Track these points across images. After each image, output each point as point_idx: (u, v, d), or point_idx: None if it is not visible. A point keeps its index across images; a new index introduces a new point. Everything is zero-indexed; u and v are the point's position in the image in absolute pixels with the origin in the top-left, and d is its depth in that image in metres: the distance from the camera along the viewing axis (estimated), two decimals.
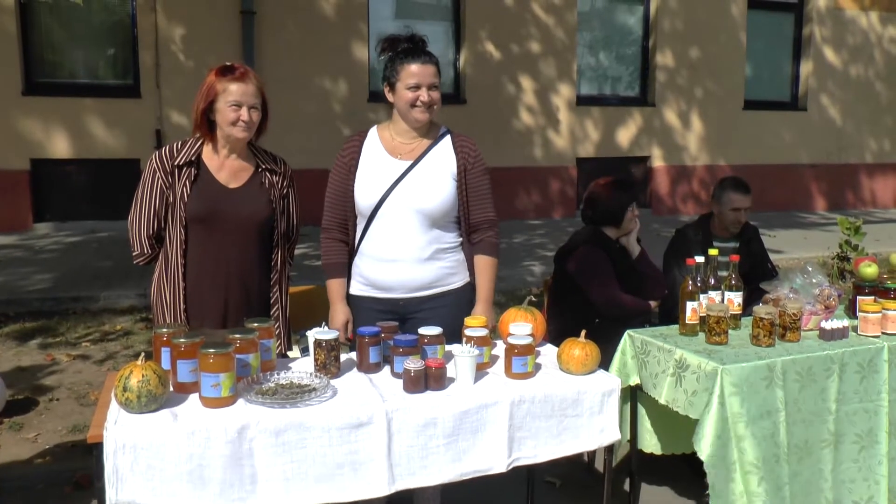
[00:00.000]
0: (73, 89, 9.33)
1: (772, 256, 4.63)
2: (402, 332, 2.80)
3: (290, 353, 3.14)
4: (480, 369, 2.71)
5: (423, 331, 2.70)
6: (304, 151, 9.24)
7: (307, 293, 3.71)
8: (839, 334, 3.14)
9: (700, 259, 3.23)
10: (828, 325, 3.14)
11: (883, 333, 3.19)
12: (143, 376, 2.25)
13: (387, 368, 2.72)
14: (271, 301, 3.06)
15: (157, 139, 9.26)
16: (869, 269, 3.49)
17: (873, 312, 3.18)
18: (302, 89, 9.82)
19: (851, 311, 3.46)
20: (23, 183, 9.12)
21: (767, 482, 2.80)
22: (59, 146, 9.19)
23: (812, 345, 3.07)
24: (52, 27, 9.31)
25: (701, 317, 3.16)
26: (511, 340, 2.71)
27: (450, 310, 3.01)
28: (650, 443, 3.35)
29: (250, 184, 2.97)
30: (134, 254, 2.99)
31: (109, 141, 9.32)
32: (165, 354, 2.52)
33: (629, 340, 3.23)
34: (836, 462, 3.02)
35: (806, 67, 12.59)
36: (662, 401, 3.02)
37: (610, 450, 2.79)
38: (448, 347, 2.78)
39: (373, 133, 3.09)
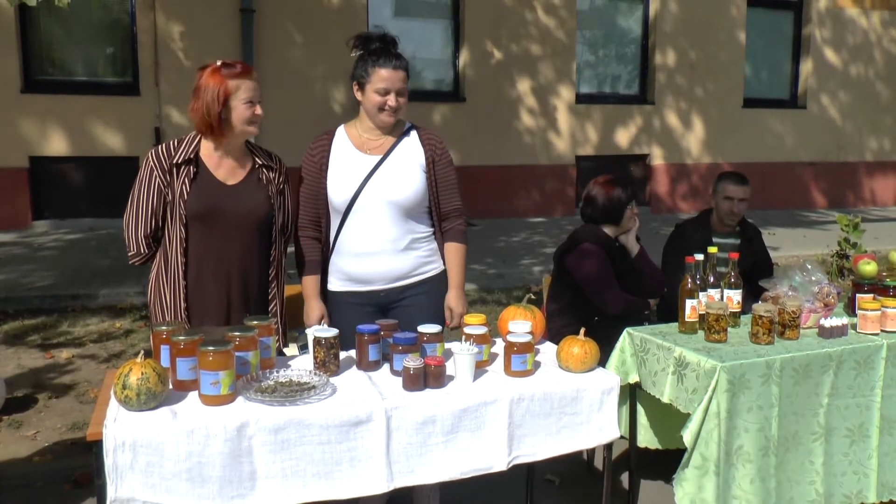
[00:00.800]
0: (72, 87, 9.32)
1: (771, 254, 4.63)
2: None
3: (286, 351, 3.15)
4: (480, 367, 2.72)
5: (422, 329, 2.71)
6: (302, 149, 9.22)
7: (299, 291, 3.70)
8: (838, 332, 3.14)
9: (699, 257, 3.23)
10: (827, 322, 3.15)
11: (882, 331, 3.19)
12: (142, 374, 2.26)
13: (386, 366, 2.72)
14: (269, 297, 3.06)
15: (157, 137, 9.25)
16: (868, 267, 3.49)
17: (872, 310, 3.19)
18: (301, 87, 9.82)
19: (851, 309, 3.46)
20: (22, 181, 9.12)
21: (755, 473, 2.82)
22: (58, 144, 9.19)
23: (811, 342, 3.07)
24: (50, 25, 9.30)
25: (700, 315, 3.17)
26: (510, 338, 2.72)
27: (429, 297, 3.12)
28: (645, 437, 3.36)
29: (248, 180, 2.97)
30: (130, 253, 2.97)
31: (108, 139, 9.31)
32: (165, 352, 2.52)
33: (628, 338, 3.24)
34: (827, 455, 3.03)
35: (805, 65, 12.59)
36: (665, 399, 3.02)
37: (609, 447, 2.79)
38: (447, 345, 2.79)
39: (340, 131, 3.16)
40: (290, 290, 3.28)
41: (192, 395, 2.40)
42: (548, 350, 3.00)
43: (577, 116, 11.30)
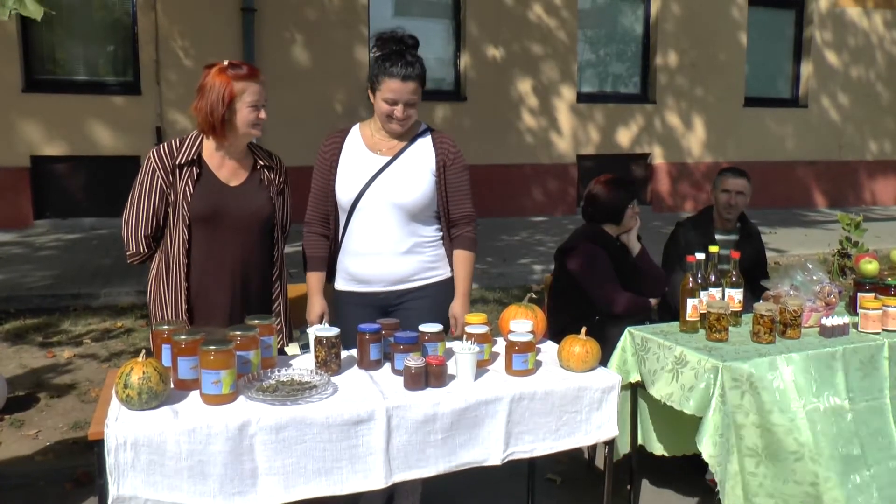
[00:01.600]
0: (74, 86, 9.33)
1: (772, 254, 4.63)
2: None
3: (287, 350, 3.15)
4: (481, 366, 2.72)
5: (423, 328, 2.71)
6: (303, 149, 9.16)
7: (304, 290, 3.70)
8: (840, 331, 3.14)
9: (701, 256, 3.23)
10: (828, 321, 3.14)
11: (884, 330, 3.19)
12: (143, 373, 2.26)
13: (387, 366, 2.72)
14: (273, 297, 3.06)
15: (158, 136, 9.25)
16: (869, 266, 3.49)
17: (874, 309, 3.19)
18: (302, 87, 9.82)
19: (852, 308, 3.46)
20: (23, 180, 9.12)
21: (781, 477, 2.81)
22: (60, 143, 9.19)
23: (812, 341, 3.07)
24: (52, 24, 9.29)
25: (701, 314, 3.16)
26: (512, 337, 2.71)
27: (430, 303, 3.06)
28: (657, 445, 3.35)
29: (250, 181, 2.96)
30: (128, 253, 2.94)
31: (110, 138, 9.31)
32: (166, 351, 2.52)
33: (629, 337, 3.24)
34: (867, 465, 2.97)
35: (806, 64, 12.58)
36: (657, 396, 3.02)
37: (611, 447, 2.79)
38: (448, 344, 2.79)
39: (354, 130, 3.14)
40: (293, 289, 3.28)
41: (194, 395, 2.40)
42: (549, 349, 3.00)
43: (579, 116, 11.30)
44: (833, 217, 10.39)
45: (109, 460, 2.15)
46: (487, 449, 2.57)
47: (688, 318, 3.18)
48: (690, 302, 3.16)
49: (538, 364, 2.79)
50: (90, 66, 9.56)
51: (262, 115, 2.85)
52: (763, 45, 12.40)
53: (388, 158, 3.02)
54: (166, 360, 2.51)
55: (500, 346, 2.91)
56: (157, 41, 9.30)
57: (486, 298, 6.65)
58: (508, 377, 2.69)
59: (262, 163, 3.00)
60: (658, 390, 3.03)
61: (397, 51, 2.93)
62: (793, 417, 2.84)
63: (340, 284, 3.14)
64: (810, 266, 3.37)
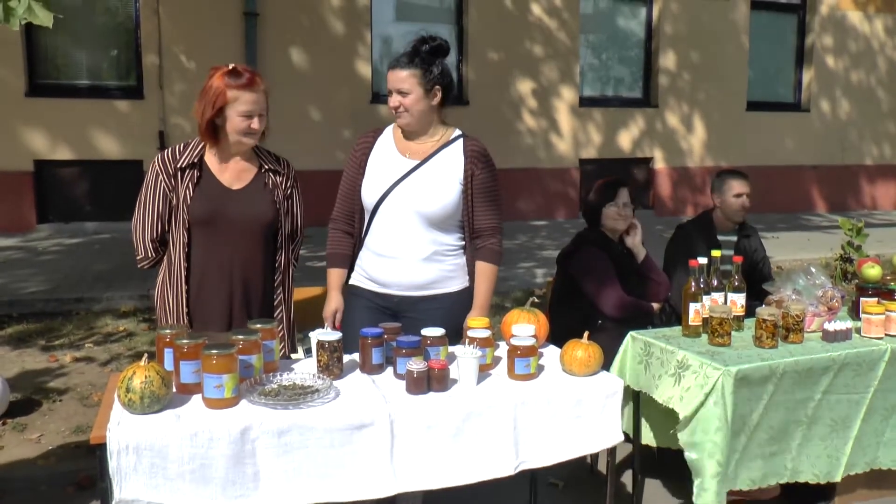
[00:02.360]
0: (77, 91, 9.34)
1: (775, 258, 4.65)
2: None
3: (293, 356, 3.14)
4: (483, 371, 2.71)
5: (426, 332, 2.70)
6: (306, 153, 9.24)
7: (312, 295, 3.71)
8: (842, 336, 3.13)
9: (703, 260, 3.23)
10: (831, 326, 3.14)
11: (886, 335, 3.19)
12: (146, 377, 2.26)
13: (389, 370, 2.72)
14: (275, 303, 3.05)
15: (161, 141, 9.26)
16: (872, 271, 3.48)
17: (876, 314, 3.18)
18: (305, 91, 9.83)
19: (855, 313, 3.45)
20: (26, 184, 9.14)
21: (721, 443, 2.84)
22: (63, 148, 9.20)
23: (815, 346, 3.07)
24: (55, 29, 9.26)
25: (704, 318, 3.16)
26: (514, 342, 2.71)
27: (444, 313, 3.00)
28: (646, 436, 3.35)
29: (254, 185, 2.96)
30: (138, 257, 2.97)
31: (112, 143, 9.33)
32: (168, 356, 2.52)
33: (631, 342, 3.23)
34: (805, 439, 3.04)
35: (808, 69, 12.58)
36: (660, 399, 3.02)
37: (613, 451, 2.79)
38: (451, 349, 2.79)
39: (388, 130, 3.13)
40: (300, 293, 3.27)
41: (196, 399, 2.40)
42: (551, 353, 3.00)
43: (581, 119, 11.30)
44: (835, 221, 10.37)
45: (112, 464, 2.16)
46: (498, 460, 2.55)
47: (690, 323, 3.17)
48: (693, 306, 3.16)
49: (540, 368, 2.79)
50: (93, 71, 9.58)
51: (255, 124, 2.82)
52: (765, 50, 12.40)
53: (416, 163, 2.99)
54: (168, 364, 2.51)
55: (502, 350, 2.91)
56: (159, 46, 9.32)
57: (490, 304, 6.60)
58: (511, 381, 2.69)
59: (267, 166, 2.99)
60: (660, 394, 3.03)
61: (410, 48, 2.96)
62: (753, 407, 2.89)
63: (357, 280, 3.13)
64: (813, 270, 3.37)
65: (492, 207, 3.05)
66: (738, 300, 3.26)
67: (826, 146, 12.77)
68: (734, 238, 4.40)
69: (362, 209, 3.07)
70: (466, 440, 2.51)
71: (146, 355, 2.38)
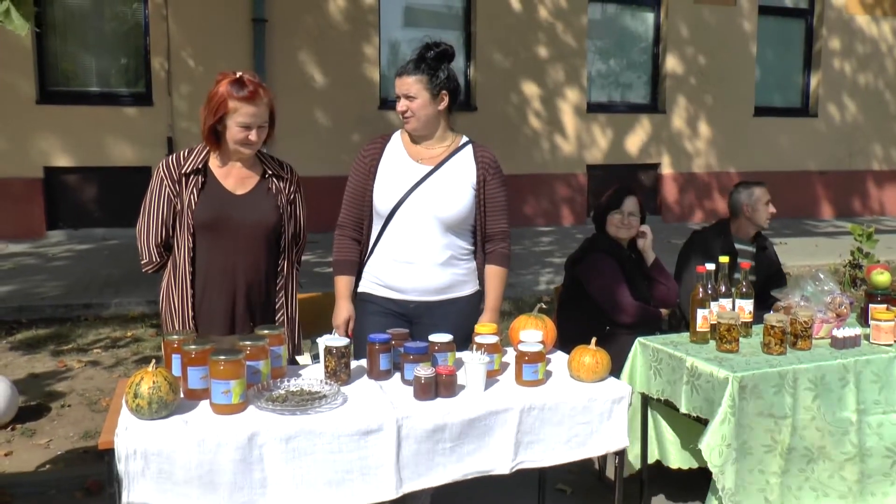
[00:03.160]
0: (86, 98, 9.39)
1: (783, 264, 4.64)
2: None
3: (299, 360, 3.15)
4: (491, 376, 2.71)
5: (433, 338, 2.70)
6: (314, 159, 9.27)
7: (318, 300, 3.72)
8: (851, 342, 3.12)
9: (711, 266, 3.22)
10: (839, 333, 3.13)
11: None
12: (153, 383, 2.26)
13: (397, 376, 2.72)
14: (276, 307, 3.06)
15: (169, 147, 9.30)
16: (881, 277, 3.47)
17: (886, 321, 3.17)
18: (313, 97, 9.86)
19: (863, 320, 3.44)
20: (36, 191, 9.18)
21: (747, 466, 2.82)
22: (72, 155, 9.25)
23: (824, 353, 3.05)
24: (65, 37, 9.38)
25: (712, 324, 3.15)
26: (521, 348, 2.71)
27: (457, 317, 3.04)
28: (675, 457, 3.32)
29: (257, 190, 2.98)
30: (142, 262, 3.00)
31: (122, 149, 9.37)
32: (176, 361, 2.52)
33: (640, 348, 3.23)
34: (864, 475, 2.98)
35: (816, 74, 12.55)
36: (683, 409, 3.01)
37: (621, 457, 2.78)
38: (458, 355, 2.79)
39: (396, 137, 3.14)
40: (303, 297, 3.28)
41: (204, 404, 2.40)
42: (559, 359, 3.00)
43: (588, 125, 11.30)
44: (843, 227, 10.33)
45: (120, 469, 2.17)
46: (496, 458, 2.56)
47: (698, 329, 3.17)
48: (701, 312, 3.16)
49: (548, 374, 2.79)
50: (102, 78, 9.63)
51: (253, 136, 2.84)
52: (772, 55, 12.38)
53: (430, 168, 3.02)
54: (176, 369, 2.52)
55: (510, 356, 2.90)
56: (168, 52, 9.36)
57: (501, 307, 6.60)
58: (518, 387, 2.68)
59: (270, 172, 3.01)
60: (683, 404, 3.01)
61: (416, 54, 2.99)
62: (777, 421, 2.84)
63: (369, 287, 3.13)
64: (821, 276, 3.36)
65: (501, 213, 3.11)
66: (746, 306, 3.25)
67: (834, 151, 12.72)
68: (751, 248, 4.38)
69: (371, 215, 3.08)
70: (470, 443, 2.52)
71: (154, 361, 2.38)
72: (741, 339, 3.12)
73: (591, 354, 2.75)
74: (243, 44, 9.55)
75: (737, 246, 4.28)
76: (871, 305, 3.35)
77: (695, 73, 11.73)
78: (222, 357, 2.33)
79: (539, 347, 2.71)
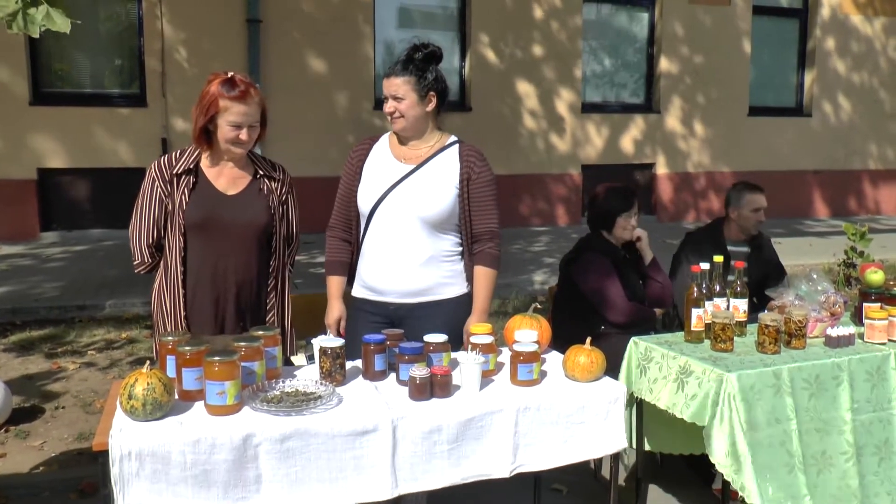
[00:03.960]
0: (80, 99, 9.37)
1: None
2: None
3: (293, 360, 3.15)
4: (486, 376, 2.72)
5: (428, 338, 2.70)
6: (308, 159, 9.26)
7: (313, 300, 3.71)
8: (845, 341, 3.12)
9: (705, 266, 3.23)
10: (833, 332, 3.13)
11: (889, 340, 3.18)
12: (148, 384, 2.26)
13: (392, 376, 2.72)
14: (267, 307, 3.06)
15: (163, 148, 9.29)
16: (875, 276, 3.47)
17: (880, 319, 3.17)
18: (307, 97, 9.85)
19: (857, 318, 3.45)
20: (30, 192, 9.16)
21: (783, 491, 2.78)
22: (66, 156, 9.23)
23: (818, 352, 3.06)
24: (58, 38, 9.31)
25: (706, 324, 3.16)
26: (516, 348, 2.71)
27: (443, 319, 2.98)
28: (651, 442, 3.34)
29: (249, 190, 2.98)
30: (135, 262, 3.00)
31: (116, 150, 9.35)
32: (171, 362, 2.52)
33: (634, 347, 3.23)
34: (861, 476, 2.98)
35: (810, 74, 12.58)
36: (662, 406, 3.02)
37: (616, 457, 2.78)
38: (454, 355, 2.79)
39: (385, 138, 3.15)
40: (297, 298, 3.28)
41: (199, 405, 2.40)
42: (554, 359, 3.00)
43: (583, 125, 11.31)
44: (837, 227, 10.34)
45: (114, 470, 2.16)
46: (494, 461, 2.56)
47: (693, 328, 3.17)
48: (695, 312, 3.16)
49: (543, 374, 2.79)
50: (96, 79, 9.61)
51: (244, 136, 2.84)
52: (767, 54, 12.41)
53: (412, 168, 3.01)
54: (171, 370, 2.51)
55: (504, 356, 2.90)
56: (162, 53, 9.35)
57: (490, 308, 6.59)
58: (513, 387, 2.68)
59: (262, 172, 3.02)
60: (664, 400, 3.02)
61: (403, 55, 2.98)
62: (786, 429, 2.83)
63: (357, 291, 3.14)
64: (815, 276, 3.37)
65: (489, 212, 3.04)
66: (741, 305, 3.26)
67: (828, 150, 12.76)
68: (744, 249, 4.36)
69: (359, 216, 3.09)
70: (466, 444, 2.52)
71: (148, 362, 2.38)
72: (735, 338, 3.13)
73: (585, 354, 2.75)
74: (238, 44, 9.54)
75: (729, 248, 4.26)
76: (865, 304, 3.36)
77: (689, 72, 11.76)
78: (217, 358, 2.33)
79: (534, 347, 2.72)
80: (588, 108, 11.38)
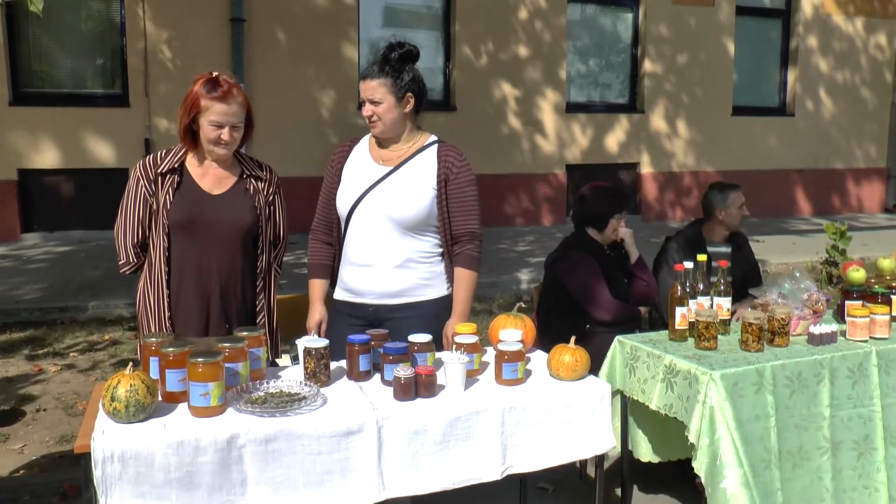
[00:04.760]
0: (61, 99, 9.29)
1: (760, 262, 4.66)
2: None
3: (278, 361, 3.14)
4: (470, 376, 2.71)
5: (413, 338, 2.70)
6: (292, 159, 9.22)
7: (297, 301, 3.70)
8: (828, 339, 3.15)
9: (689, 265, 3.24)
10: (816, 329, 3.15)
11: (871, 338, 3.20)
12: (131, 386, 2.24)
13: (377, 376, 2.71)
14: (257, 309, 3.05)
15: (146, 148, 9.23)
16: (857, 274, 3.50)
17: (861, 317, 3.20)
18: (291, 97, 9.82)
19: (840, 316, 3.47)
20: (11, 193, 9.08)
21: (756, 488, 2.80)
22: (48, 156, 9.15)
23: (801, 349, 3.08)
24: (39, 37, 9.28)
25: (690, 322, 3.17)
26: (501, 347, 2.71)
27: (422, 321, 2.95)
28: (645, 450, 3.34)
29: (234, 190, 2.96)
30: (120, 262, 2.99)
31: (98, 150, 9.28)
32: (154, 364, 2.50)
33: (619, 346, 3.24)
34: (836, 470, 3.01)
35: (793, 73, 12.67)
36: (654, 406, 3.02)
37: (602, 455, 2.79)
38: (438, 355, 2.78)
39: (365, 139, 3.13)
40: (282, 298, 3.27)
41: (182, 407, 2.39)
42: (538, 359, 3.00)
43: (568, 125, 11.34)
44: (819, 225, 10.43)
45: (96, 473, 2.14)
46: (484, 463, 2.55)
47: (677, 327, 3.18)
48: (679, 310, 3.17)
49: (528, 373, 2.79)
50: (78, 79, 9.53)
51: (225, 136, 2.83)
52: (750, 54, 12.48)
53: (389, 169, 2.99)
54: (154, 372, 2.50)
55: (489, 355, 2.90)
56: (145, 53, 9.29)
57: (474, 308, 6.62)
58: (498, 387, 2.68)
59: (248, 172, 3.00)
60: (655, 401, 3.02)
61: (380, 56, 2.95)
62: (765, 425, 2.85)
63: (337, 293, 3.13)
64: (798, 274, 3.39)
65: (469, 213, 3.01)
66: (724, 304, 3.27)
67: (811, 150, 12.85)
68: (725, 249, 4.38)
69: (339, 219, 3.08)
70: (454, 445, 2.51)
71: (131, 363, 2.36)
72: (719, 336, 3.14)
73: (570, 353, 2.76)
74: (222, 44, 9.50)
75: (710, 249, 4.27)
76: (846, 302, 3.38)
77: (673, 72, 11.81)
78: (200, 359, 2.31)
79: (519, 346, 2.72)
80: (573, 108, 11.41)
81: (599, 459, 2.79)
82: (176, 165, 2.90)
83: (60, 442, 4.15)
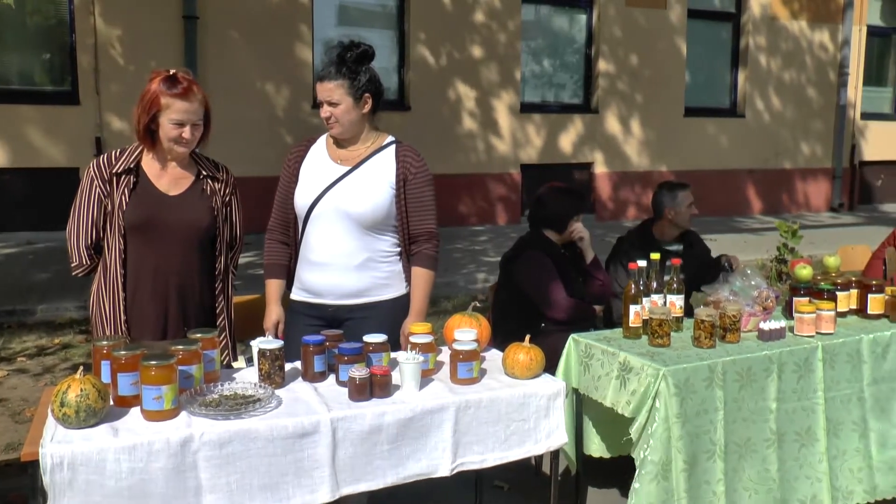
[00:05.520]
0: (8, 96, 9.05)
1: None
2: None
3: (234, 364, 3.10)
4: (426, 376, 2.72)
5: (367, 338, 2.69)
6: (246, 159, 9.10)
7: (252, 303, 3.67)
8: (777, 335, 3.21)
9: (642, 263, 3.28)
10: (766, 325, 3.22)
11: (817, 333, 3.28)
12: (81, 390, 2.20)
13: (332, 377, 2.70)
14: (217, 311, 3.01)
15: (97, 147, 9.05)
16: (804, 271, 3.58)
17: (808, 313, 3.27)
18: (245, 96, 9.71)
19: (788, 312, 3.55)
20: None
21: (695, 479, 2.86)
22: None
23: (751, 345, 3.14)
24: None
25: (644, 320, 3.21)
26: (456, 346, 2.72)
27: (380, 321, 2.97)
28: (597, 446, 3.38)
29: (191, 191, 2.93)
30: (72, 265, 2.92)
31: (47, 149, 9.07)
32: (105, 367, 2.46)
33: (574, 344, 3.27)
34: (781, 461, 3.08)
35: (743, 74, 12.91)
36: (608, 403, 3.06)
37: (556, 453, 2.81)
38: (393, 355, 2.78)
39: (321, 139, 3.12)
40: (237, 300, 3.23)
41: (135, 411, 2.35)
42: (494, 357, 3.02)
43: (522, 125, 11.40)
44: (770, 224, 10.63)
45: (45, 480, 2.10)
46: (436, 460, 2.57)
47: (630, 325, 3.22)
48: (633, 308, 3.21)
49: (483, 372, 2.81)
50: (25, 75, 9.30)
51: (186, 133, 2.80)
52: (702, 56, 12.69)
53: (347, 168, 2.99)
54: (106, 376, 2.45)
55: (444, 355, 2.91)
56: (95, 49, 9.10)
57: (429, 308, 6.61)
58: (454, 386, 2.69)
59: (205, 173, 2.97)
60: (607, 398, 3.06)
61: (335, 57, 2.94)
62: (712, 419, 2.91)
63: (295, 294, 3.11)
64: (749, 272, 3.45)
65: (426, 212, 3.04)
66: (677, 301, 3.32)
67: (761, 150, 13.11)
68: (677, 247, 4.44)
69: (296, 219, 3.06)
70: (407, 444, 2.52)
71: (82, 368, 2.32)
72: (673, 333, 3.19)
73: (525, 351, 2.78)
74: (174, 42, 9.35)
75: (664, 248, 4.33)
76: (794, 299, 3.46)
77: (627, 73, 11.95)
78: (153, 362, 2.28)
79: (473, 346, 2.73)
80: (527, 108, 11.47)
81: (555, 457, 2.82)
82: (132, 165, 2.85)
83: (6, 450, 4.05)
